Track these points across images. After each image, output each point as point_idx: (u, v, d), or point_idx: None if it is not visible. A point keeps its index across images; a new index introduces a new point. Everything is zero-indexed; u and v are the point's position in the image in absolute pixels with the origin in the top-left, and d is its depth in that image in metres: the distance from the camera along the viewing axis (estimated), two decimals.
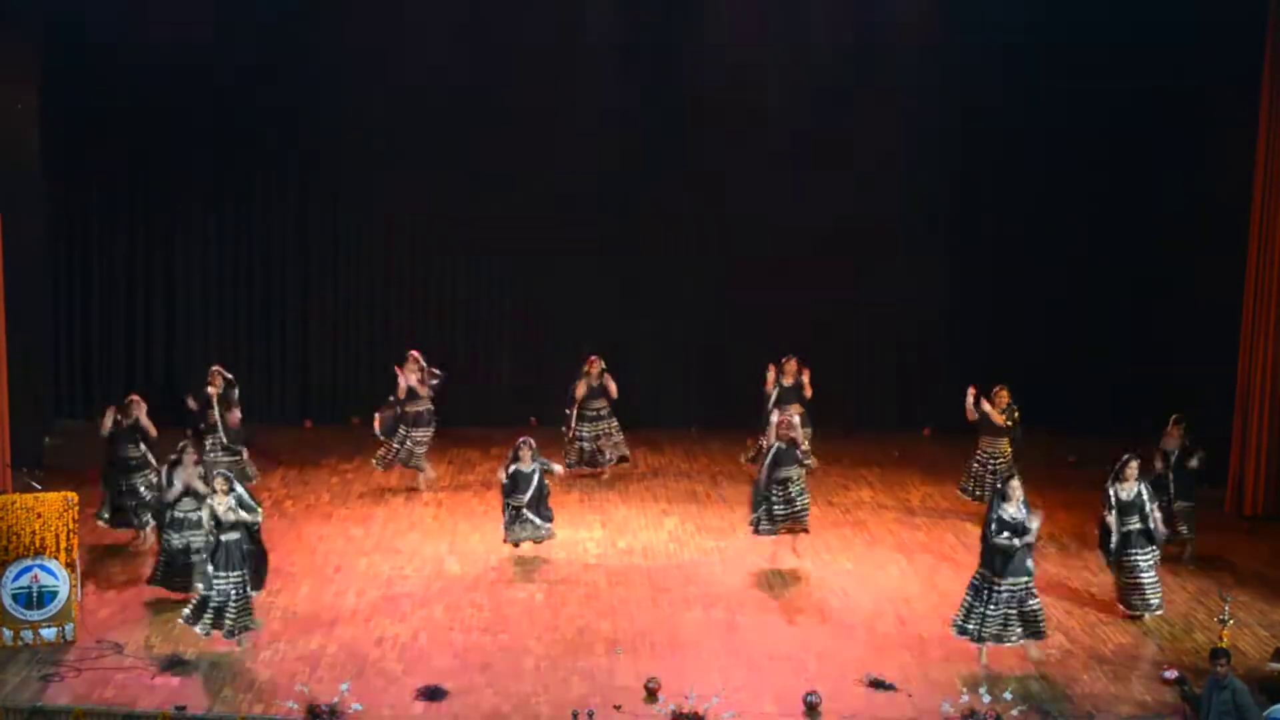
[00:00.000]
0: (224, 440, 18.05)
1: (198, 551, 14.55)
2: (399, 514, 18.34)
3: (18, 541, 13.90)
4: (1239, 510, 18.59)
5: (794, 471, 16.61)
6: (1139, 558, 15.08)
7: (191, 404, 18.36)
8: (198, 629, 13.86)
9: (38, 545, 13.93)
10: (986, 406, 18.00)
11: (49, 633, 13.94)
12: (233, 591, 13.86)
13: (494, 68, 21.88)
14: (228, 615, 13.83)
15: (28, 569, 13.90)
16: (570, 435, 19.76)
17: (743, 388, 21.75)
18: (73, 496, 14.34)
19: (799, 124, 21.96)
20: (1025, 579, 13.88)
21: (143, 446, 16.85)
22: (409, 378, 19.00)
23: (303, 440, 21.58)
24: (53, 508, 14.05)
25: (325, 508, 18.55)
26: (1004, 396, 18.09)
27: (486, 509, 18.37)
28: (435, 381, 19.20)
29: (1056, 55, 21.41)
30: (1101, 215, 22.13)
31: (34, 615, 13.91)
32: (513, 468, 16.65)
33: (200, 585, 14.06)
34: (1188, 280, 21.28)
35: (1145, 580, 15.07)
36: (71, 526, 14.11)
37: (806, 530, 16.74)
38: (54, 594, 13.96)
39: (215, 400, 18.12)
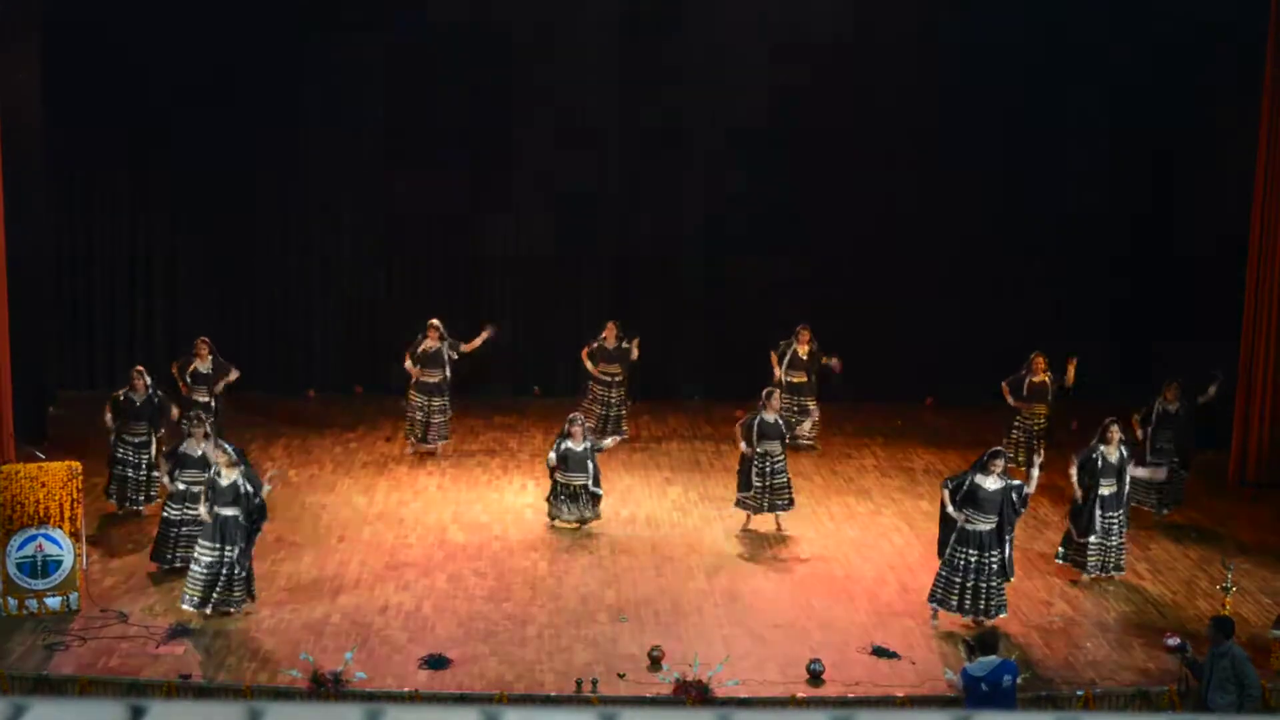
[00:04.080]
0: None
1: (193, 525, 14.51)
2: (402, 483, 18.36)
3: (22, 511, 13.91)
4: (1242, 477, 18.60)
5: (775, 446, 16.52)
6: (1111, 520, 15.17)
7: (185, 388, 18.12)
8: (185, 605, 13.84)
9: (42, 514, 13.94)
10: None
11: (53, 602, 13.97)
12: (229, 567, 13.82)
13: (498, 36, 21.81)
14: (216, 590, 13.81)
15: (32, 538, 13.92)
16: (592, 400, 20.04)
17: (745, 357, 21.78)
18: (76, 466, 14.35)
19: (800, 91, 21.87)
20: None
21: (146, 424, 16.70)
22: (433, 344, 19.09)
23: (305, 410, 21.58)
24: (56, 477, 14.05)
25: (328, 477, 18.57)
26: (1041, 362, 18.40)
27: (490, 478, 18.41)
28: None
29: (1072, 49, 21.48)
30: (1104, 188, 22.11)
31: (38, 584, 13.93)
32: (563, 446, 16.60)
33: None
34: (1190, 248, 21.28)
35: (1114, 543, 15.18)
36: (75, 496, 14.12)
37: (786, 507, 16.64)
38: (58, 563, 13.98)
39: (212, 373, 18.09)
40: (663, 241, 22.56)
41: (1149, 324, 21.98)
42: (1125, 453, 15.35)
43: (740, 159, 22.14)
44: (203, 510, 14.02)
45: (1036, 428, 18.42)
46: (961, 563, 13.95)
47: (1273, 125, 18.15)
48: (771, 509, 16.60)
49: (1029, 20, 21.25)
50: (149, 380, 16.82)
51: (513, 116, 22.08)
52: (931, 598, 14.17)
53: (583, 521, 16.66)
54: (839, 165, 22.09)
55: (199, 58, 21.44)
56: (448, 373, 19.10)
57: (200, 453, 14.74)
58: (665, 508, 17.64)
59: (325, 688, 12.43)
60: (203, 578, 13.79)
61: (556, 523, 16.66)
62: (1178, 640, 13.23)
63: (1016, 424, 18.54)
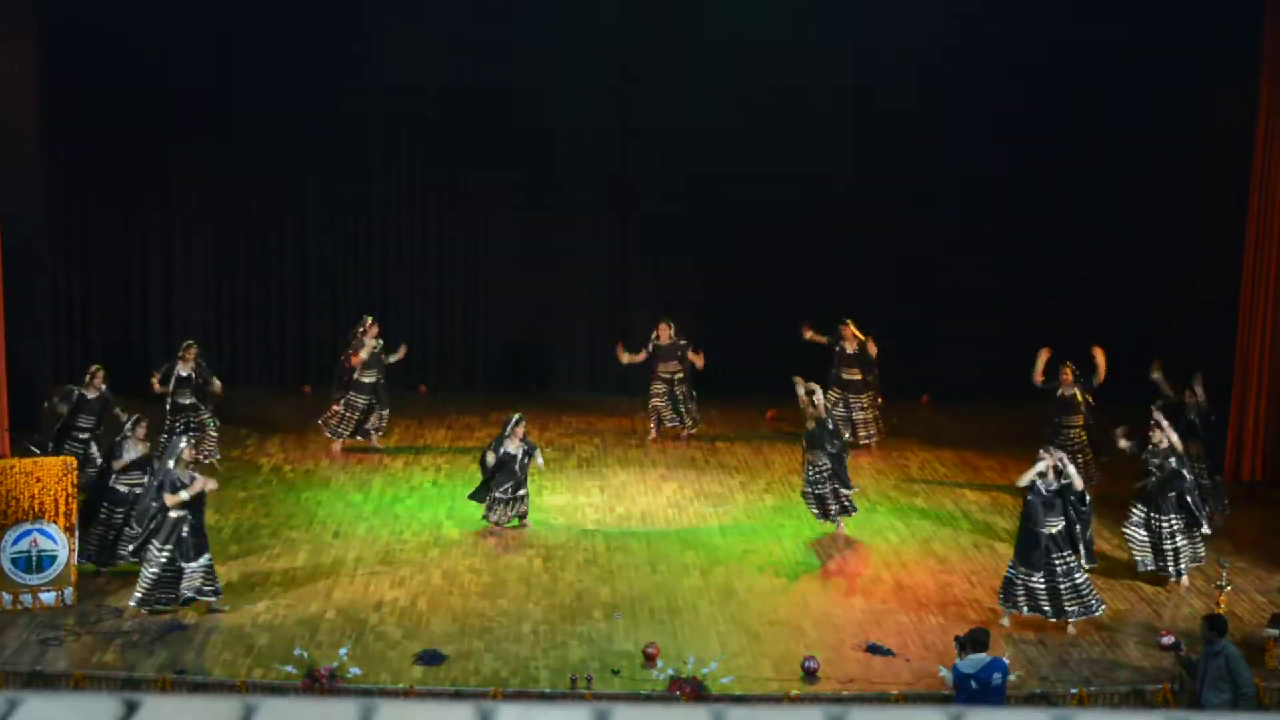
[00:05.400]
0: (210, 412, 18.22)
1: (132, 526, 14.40)
2: (397, 479, 18.35)
3: (17, 506, 13.90)
4: (1237, 477, 18.59)
5: (818, 456, 16.29)
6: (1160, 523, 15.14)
7: (157, 387, 18.21)
8: (144, 609, 13.79)
9: (37, 509, 13.94)
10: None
11: (48, 597, 13.96)
12: (167, 562, 13.75)
13: (492, 36, 21.81)
14: (182, 587, 13.76)
15: (27, 533, 13.92)
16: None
17: (741, 354, 21.80)
18: (71, 461, 14.37)
19: (804, 89, 21.85)
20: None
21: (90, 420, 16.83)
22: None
23: (302, 406, 21.54)
24: (51, 472, 14.05)
25: (324, 473, 18.56)
26: (1068, 374, 17.82)
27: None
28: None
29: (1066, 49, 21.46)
30: (1094, 177, 22.07)
31: (33, 579, 13.92)
32: (503, 449, 16.49)
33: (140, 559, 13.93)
34: (1185, 243, 21.32)
35: (1167, 546, 15.11)
36: (70, 491, 14.12)
37: (830, 515, 16.47)
38: (53, 558, 13.98)
39: (194, 376, 18.16)
40: (660, 239, 22.55)
41: (1147, 323, 21.95)
42: (1175, 460, 15.23)
43: (738, 157, 22.11)
44: (181, 496, 13.85)
45: (1072, 441, 17.64)
46: (1045, 566, 13.89)
47: (1269, 124, 18.16)
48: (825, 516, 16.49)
49: (1027, 21, 21.24)
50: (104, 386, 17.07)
51: (510, 115, 22.05)
52: (1010, 603, 14.02)
53: (499, 523, 16.53)
54: (837, 163, 22.07)
55: (198, 54, 21.46)
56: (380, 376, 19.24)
57: (139, 454, 14.78)
58: (660, 505, 17.63)
59: (320, 683, 12.43)
60: (153, 578, 13.74)
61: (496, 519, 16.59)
62: (1172, 638, 13.25)
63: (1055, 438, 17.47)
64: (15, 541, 13.89)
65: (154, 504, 13.79)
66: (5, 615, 13.76)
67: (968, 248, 22.34)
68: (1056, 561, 13.88)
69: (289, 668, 12.65)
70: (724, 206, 22.30)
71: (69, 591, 14.03)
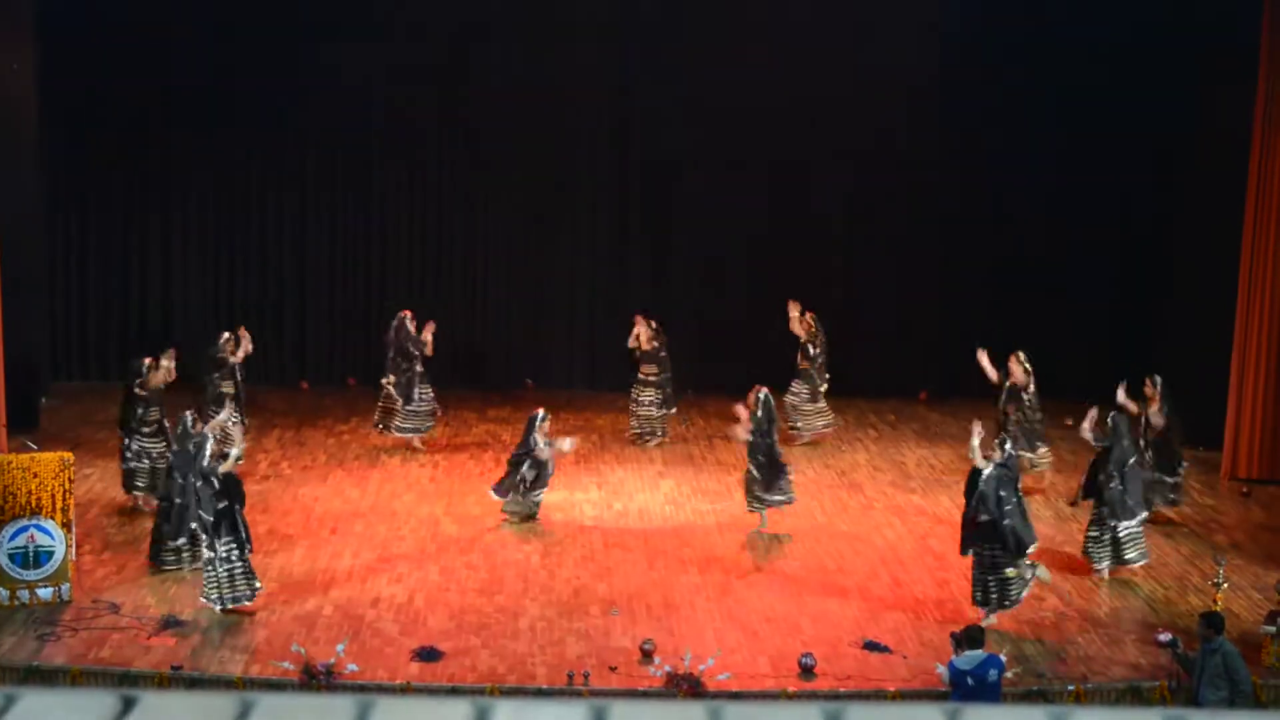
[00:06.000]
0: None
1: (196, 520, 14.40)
2: (395, 475, 18.36)
3: (14, 501, 13.90)
4: (1234, 473, 18.61)
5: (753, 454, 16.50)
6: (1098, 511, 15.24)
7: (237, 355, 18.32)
8: (217, 604, 13.79)
9: (34, 505, 13.93)
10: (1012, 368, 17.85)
11: (45, 592, 13.96)
12: (235, 555, 13.86)
13: (494, 37, 21.83)
14: (238, 581, 13.83)
15: (24, 529, 13.91)
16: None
17: (739, 351, 21.80)
18: (69, 457, 14.37)
19: (803, 88, 21.86)
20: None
21: (157, 411, 16.72)
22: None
23: (299, 402, 21.57)
24: (49, 468, 14.05)
25: (322, 469, 18.56)
26: (1015, 363, 17.84)
27: (482, 471, 18.39)
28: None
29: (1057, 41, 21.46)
30: (1094, 176, 22.05)
31: (30, 575, 13.92)
32: (538, 445, 16.51)
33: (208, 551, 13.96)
34: (1183, 243, 21.31)
35: (1106, 536, 15.17)
36: (67, 486, 14.12)
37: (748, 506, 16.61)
38: (50, 554, 13.97)
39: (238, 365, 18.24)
40: (655, 235, 22.58)
41: (1144, 321, 21.97)
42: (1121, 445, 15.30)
43: (737, 156, 22.13)
44: (220, 470, 13.95)
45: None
46: (982, 560, 13.87)
47: (1269, 124, 18.18)
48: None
49: (1028, 21, 21.25)
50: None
51: (511, 115, 22.06)
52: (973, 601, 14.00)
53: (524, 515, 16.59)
54: (837, 162, 22.09)
55: (198, 54, 21.46)
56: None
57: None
58: (658, 501, 17.64)
59: (317, 680, 12.42)
60: (226, 574, 13.78)
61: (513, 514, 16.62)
62: (1169, 636, 13.24)
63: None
64: (12, 537, 13.89)
65: (219, 501, 13.83)
66: (2, 611, 13.75)
67: (968, 247, 22.34)
68: (985, 551, 13.85)
69: (286, 664, 12.65)
70: (723, 205, 22.30)
71: (66, 587, 14.02)
